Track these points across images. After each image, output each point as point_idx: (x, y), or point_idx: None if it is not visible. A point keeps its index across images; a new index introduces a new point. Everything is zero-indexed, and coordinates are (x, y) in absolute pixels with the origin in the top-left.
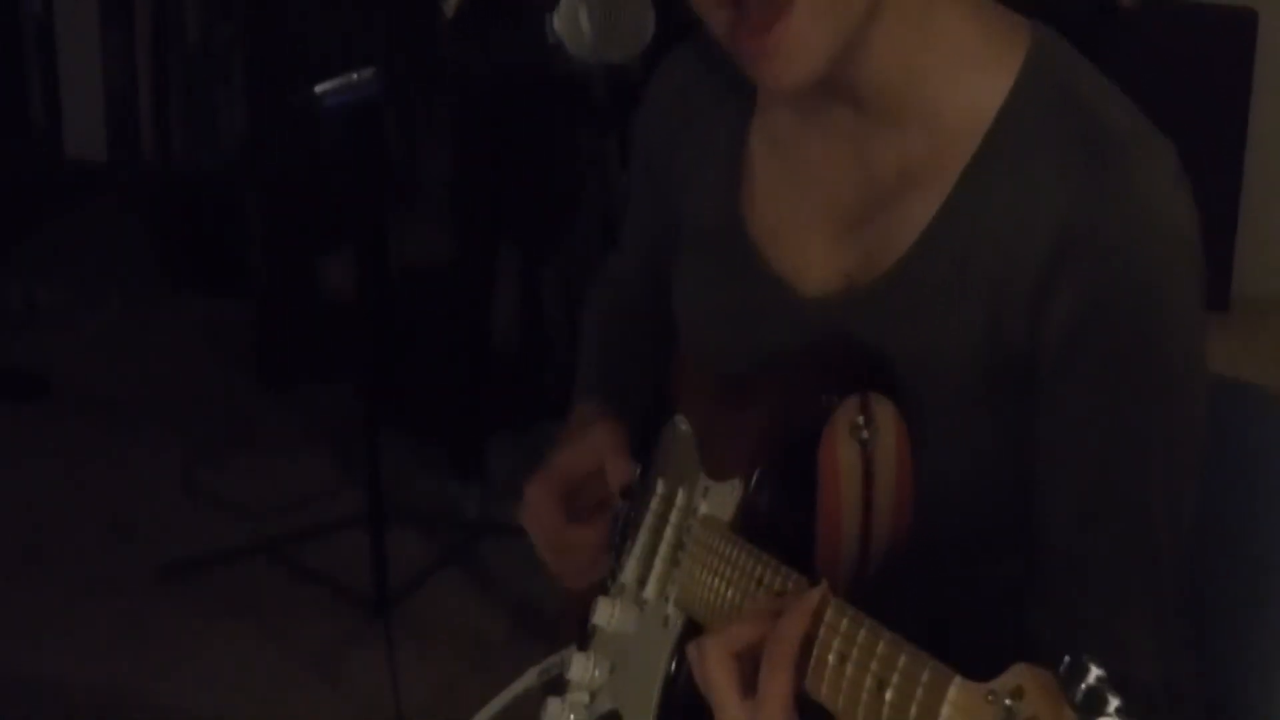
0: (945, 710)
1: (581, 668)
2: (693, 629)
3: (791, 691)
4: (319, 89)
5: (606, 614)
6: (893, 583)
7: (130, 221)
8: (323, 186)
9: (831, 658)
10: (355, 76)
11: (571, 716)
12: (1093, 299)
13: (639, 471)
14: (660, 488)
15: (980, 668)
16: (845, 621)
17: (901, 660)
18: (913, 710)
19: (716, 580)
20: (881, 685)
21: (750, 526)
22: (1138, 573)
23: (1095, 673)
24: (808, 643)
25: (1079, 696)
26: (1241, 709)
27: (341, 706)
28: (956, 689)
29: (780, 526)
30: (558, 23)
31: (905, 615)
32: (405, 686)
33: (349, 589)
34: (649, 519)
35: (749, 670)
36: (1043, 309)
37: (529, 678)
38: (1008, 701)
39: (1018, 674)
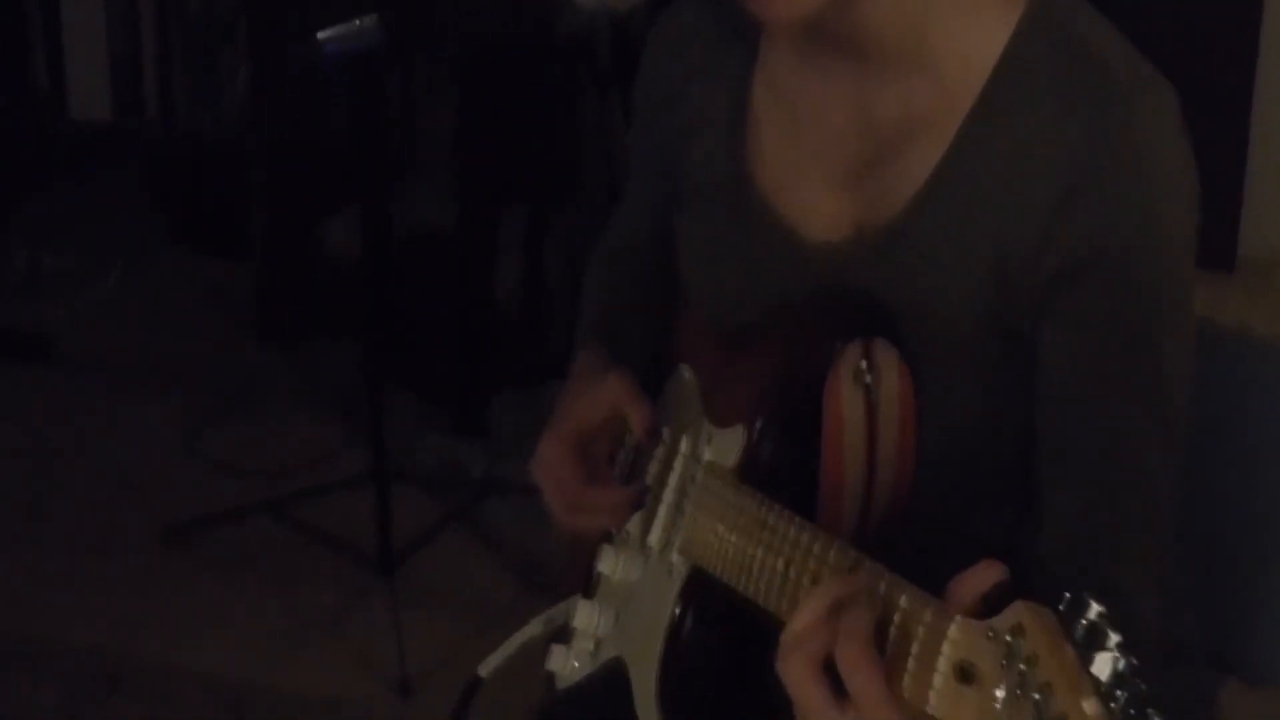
0: (946, 648)
1: (587, 616)
2: (697, 576)
3: (882, 680)
4: (320, 36)
5: (611, 562)
6: (895, 527)
7: (134, 183)
8: (326, 147)
9: None
10: (357, 24)
11: (576, 664)
12: (1091, 243)
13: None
14: (665, 436)
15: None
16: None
17: (903, 600)
18: (914, 648)
19: (722, 527)
20: (884, 624)
21: (754, 472)
22: (1136, 521)
23: (1095, 609)
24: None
25: (1079, 632)
26: (1244, 661)
27: (346, 665)
28: (957, 626)
29: (784, 472)
30: None
31: (903, 561)
32: (410, 645)
33: (353, 548)
34: (653, 468)
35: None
36: (1043, 253)
37: (534, 626)
38: (1008, 638)
39: (1017, 611)
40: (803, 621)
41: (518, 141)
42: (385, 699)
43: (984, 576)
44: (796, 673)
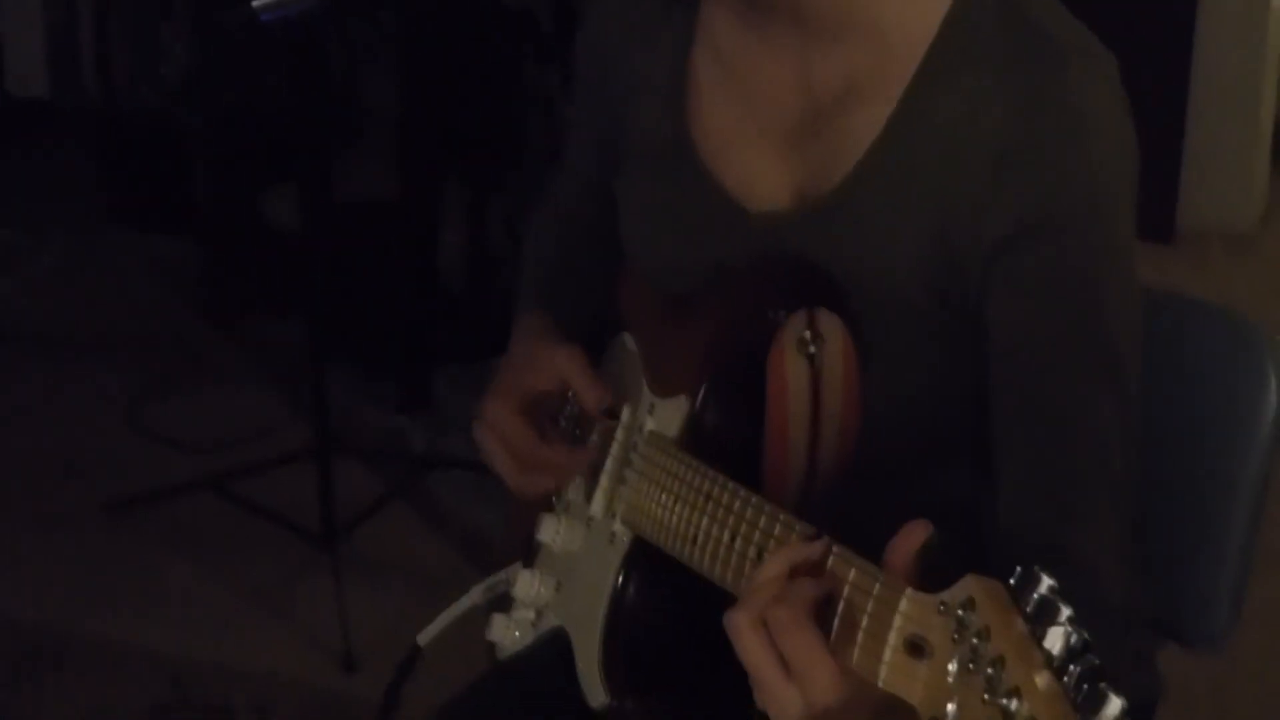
0: (897, 621)
1: (527, 585)
2: (640, 546)
3: (818, 644)
4: (255, 3)
5: (552, 531)
6: (840, 496)
7: (74, 158)
8: (267, 121)
9: None
10: None
11: (517, 634)
12: (1032, 207)
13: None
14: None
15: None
16: (789, 534)
17: (852, 573)
18: (864, 621)
19: (665, 496)
20: (833, 597)
21: (697, 442)
22: (1095, 484)
23: (1046, 582)
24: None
25: (1030, 606)
26: (1182, 625)
27: (290, 640)
28: (908, 600)
29: (727, 442)
30: None
31: (856, 527)
32: (353, 619)
33: (296, 523)
34: (594, 437)
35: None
36: (985, 219)
37: (474, 594)
38: (960, 612)
39: (968, 585)
40: (754, 591)
41: (460, 112)
42: (329, 673)
43: (912, 536)
44: (746, 641)
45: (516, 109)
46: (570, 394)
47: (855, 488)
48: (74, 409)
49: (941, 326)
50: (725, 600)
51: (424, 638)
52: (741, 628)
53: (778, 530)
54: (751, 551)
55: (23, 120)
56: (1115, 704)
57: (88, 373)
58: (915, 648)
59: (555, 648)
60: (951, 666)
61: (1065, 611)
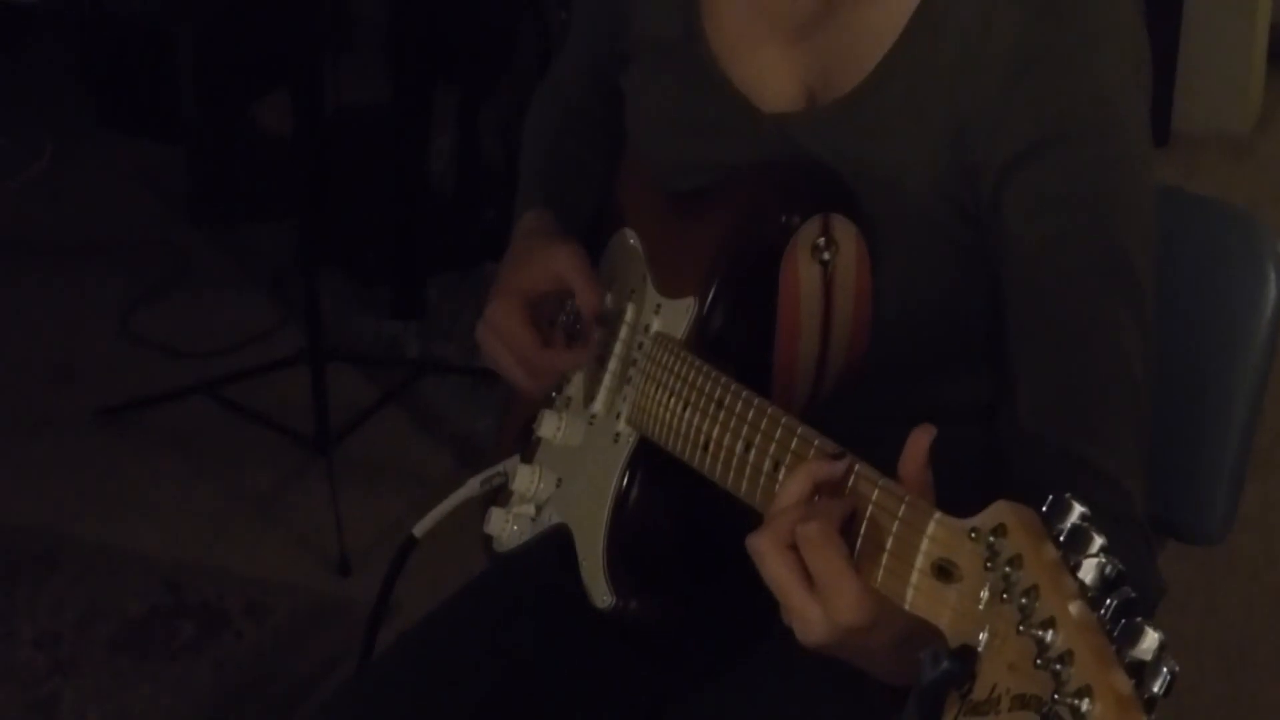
0: (924, 544)
1: (527, 479)
2: (645, 448)
3: (842, 559)
4: None
5: (553, 427)
6: (847, 401)
7: (62, 64)
8: (257, 27)
9: None
10: None
11: (515, 528)
12: (1049, 119)
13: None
14: (608, 301)
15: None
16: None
17: (877, 494)
18: (889, 543)
19: (671, 399)
20: (857, 516)
21: (704, 344)
22: (1115, 399)
23: (1078, 510)
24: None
25: (1063, 535)
26: (1180, 521)
27: (284, 543)
28: (937, 524)
29: (734, 345)
30: None
31: (859, 434)
32: (348, 523)
33: (290, 429)
34: (596, 333)
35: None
36: (1003, 126)
37: (470, 486)
38: (991, 539)
39: (1000, 511)
40: (779, 512)
41: (449, 16)
42: (324, 576)
43: (918, 445)
44: (771, 561)
45: (507, 12)
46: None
47: (862, 393)
48: (66, 315)
49: (953, 234)
50: (732, 502)
51: (419, 529)
52: (766, 548)
53: (795, 444)
54: (767, 464)
55: (9, 25)
56: (1152, 638)
57: (80, 279)
58: (943, 572)
59: (555, 544)
60: (983, 594)
61: (1099, 541)
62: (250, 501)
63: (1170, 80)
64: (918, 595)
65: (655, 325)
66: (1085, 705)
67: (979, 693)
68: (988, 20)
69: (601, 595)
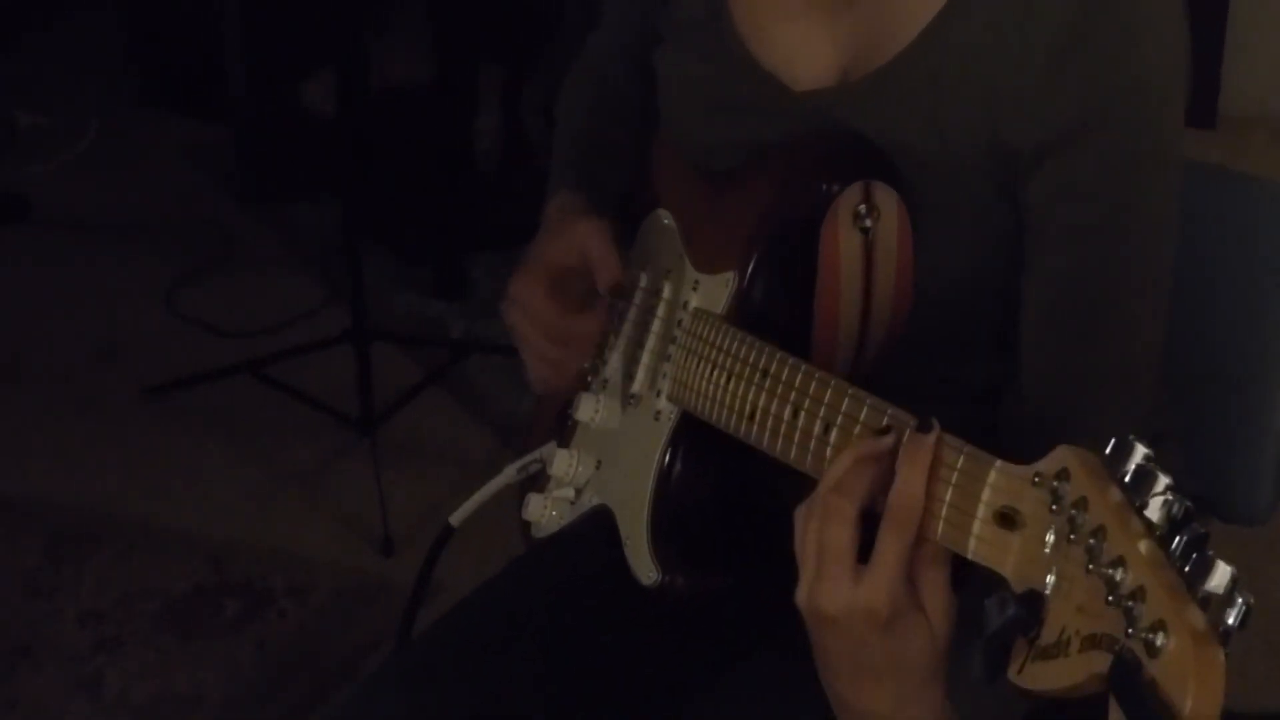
0: (986, 493)
1: (566, 464)
2: (688, 422)
3: (907, 559)
4: None
5: (590, 409)
6: (886, 373)
7: (110, 41)
8: (303, 4)
9: None
10: None
11: (554, 513)
12: (1085, 107)
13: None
14: (643, 281)
15: None
16: (857, 409)
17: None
18: (948, 495)
19: (715, 371)
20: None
21: (745, 317)
22: (1116, 394)
23: (1142, 451)
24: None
25: (1127, 476)
26: (1225, 501)
27: (328, 524)
28: (998, 472)
29: (774, 317)
30: None
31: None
32: (391, 503)
33: (334, 408)
34: (632, 313)
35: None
36: (1039, 111)
37: (508, 474)
38: (1054, 483)
39: (1062, 456)
40: (834, 475)
41: None
42: (367, 557)
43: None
44: (819, 526)
45: None
46: None
47: (900, 365)
48: (112, 293)
49: (989, 212)
50: (774, 470)
51: (457, 518)
52: (818, 527)
53: (846, 404)
54: (817, 427)
55: (58, 1)
56: (1224, 571)
57: (125, 257)
58: (1006, 519)
59: (596, 525)
60: (1049, 537)
61: (1164, 480)
62: (294, 481)
63: (1217, 63)
64: (980, 544)
65: (694, 302)
66: (1160, 639)
67: (1047, 636)
68: (1029, 2)
69: (647, 572)
